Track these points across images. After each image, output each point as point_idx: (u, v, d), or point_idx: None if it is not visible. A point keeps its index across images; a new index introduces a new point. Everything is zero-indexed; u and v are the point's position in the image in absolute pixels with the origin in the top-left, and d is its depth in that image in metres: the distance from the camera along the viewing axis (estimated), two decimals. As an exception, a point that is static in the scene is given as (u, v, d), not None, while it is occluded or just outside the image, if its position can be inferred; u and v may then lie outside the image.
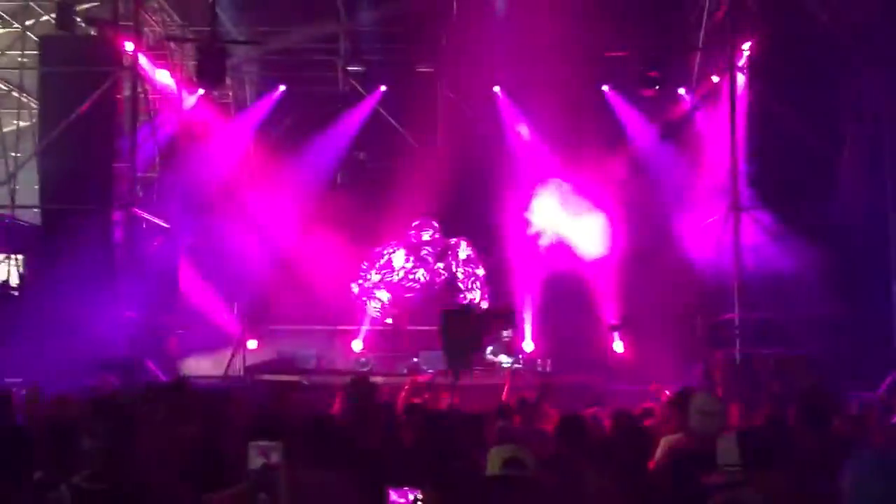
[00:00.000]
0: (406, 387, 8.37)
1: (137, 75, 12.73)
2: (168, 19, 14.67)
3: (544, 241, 14.79)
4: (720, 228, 12.70)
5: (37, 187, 13.54)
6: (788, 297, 11.37)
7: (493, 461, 3.64)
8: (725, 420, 4.79)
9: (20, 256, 13.92)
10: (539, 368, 13.69)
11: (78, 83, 12.37)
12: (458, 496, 3.53)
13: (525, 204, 15.27)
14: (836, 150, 12.11)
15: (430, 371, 12.27)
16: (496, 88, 15.55)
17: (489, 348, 13.85)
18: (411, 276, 15.87)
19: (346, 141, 15.76)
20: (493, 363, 13.84)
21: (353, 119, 15.73)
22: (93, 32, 13.58)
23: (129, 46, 12.52)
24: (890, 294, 11.25)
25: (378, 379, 12.76)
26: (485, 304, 15.58)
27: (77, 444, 3.49)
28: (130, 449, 3.36)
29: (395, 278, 15.84)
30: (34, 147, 13.12)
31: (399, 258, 15.92)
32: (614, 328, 14.49)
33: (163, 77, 14.12)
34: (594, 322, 14.50)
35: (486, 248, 15.53)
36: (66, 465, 3.85)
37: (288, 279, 14.59)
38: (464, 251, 15.94)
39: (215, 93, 14.81)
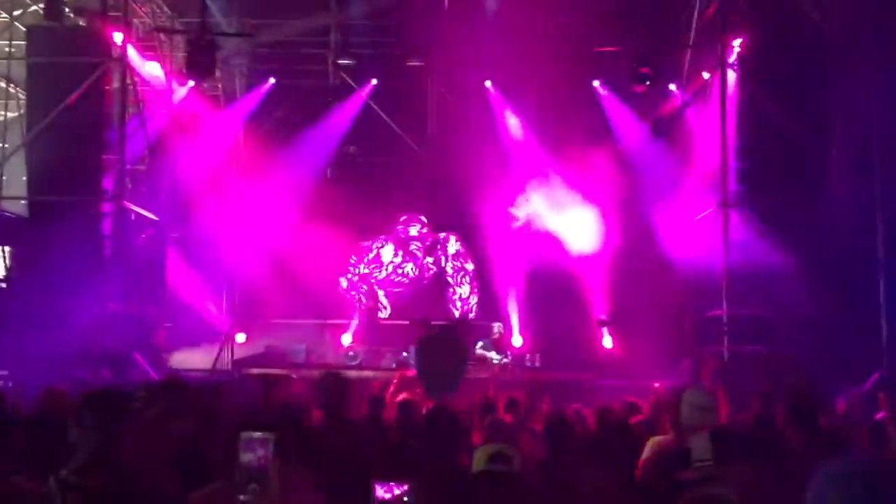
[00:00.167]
0: (394, 382, 8.37)
1: (126, 66, 12.66)
2: (158, 10, 14.58)
3: (533, 237, 14.81)
4: (709, 225, 12.73)
5: (24, 178, 13.46)
6: (777, 295, 11.41)
7: (479, 457, 3.65)
8: (717, 415, 4.80)
9: (7, 248, 13.86)
10: (528, 364, 13.72)
11: (66, 74, 12.29)
12: (445, 491, 3.53)
13: (515, 199, 15.29)
14: (825, 147, 12.14)
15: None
16: (487, 83, 15.53)
17: (479, 343, 13.87)
18: (400, 271, 15.89)
19: (337, 134, 15.71)
20: (483, 358, 13.87)
21: (344, 113, 15.68)
22: (81, 23, 13.50)
23: (118, 37, 12.44)
24: (878, 292, 11.30)
25: (368, 373, 12.89)
26: (473, 299, 15.65)
27: (66, 437, 3.48)
28: (120, 442, 3.34)
29: (383, 274, 15.86)
30: (22, 138, 13.03)
31: (388, 253, 15.94)
32: (603, 324, 14.53)
33: (152, 69, 14.05)
34: (583, 318, 14.54)
35: (476, 243, 15.54)
36: (54, 458, 3.83)
37: (277, 272, 14.57)
38: (453, 246, 15.97)
39: (205, 85, 14.74)
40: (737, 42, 12.75)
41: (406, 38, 15.32)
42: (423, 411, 6.29)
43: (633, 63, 13.45)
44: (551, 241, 14.65)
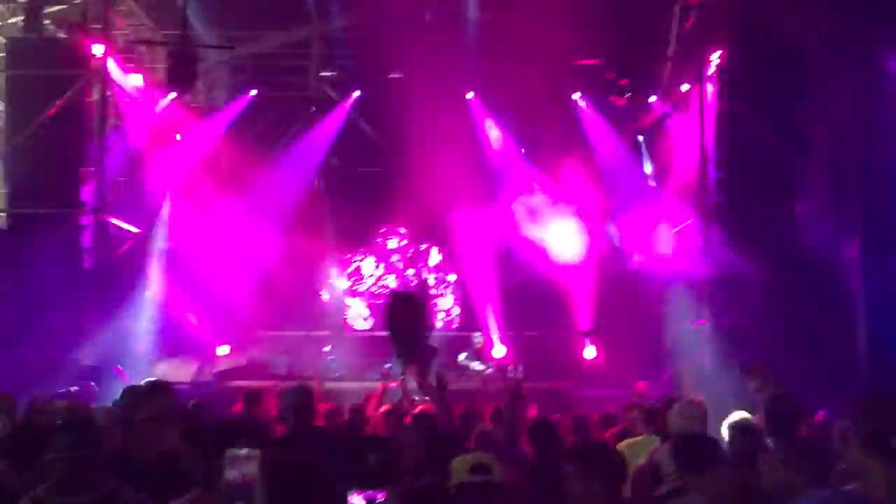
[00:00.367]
0: (377, 394, 8.37)
1: (106, 79, 12.61)
2: (139, 22, 14.52)
3: (515, 248, 14.85)
4: (689, 236, 12.83)
5: (3, 191, 13.35)
6: (756, 304, 11.50)
7: (459, 468, 3.66)
8: (704, 425, 4.84)
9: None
10: (510, 374, 13.70)
11: (46, 86, 12.23)
12: (424, 501, 3.53)
13: (497, 210, 15.34)
14: (802, 159, 12.27)
15: (402, 378, 12.27)
16: (469, 95, 15.58)
17: (462, 354, 13.90)
18: (381, 283, 15.91)
19: (319, 146, 15.70)
20: (466, 368, 13.89)
21: (327, 125, 15.68)
22: (62, 35, 13.43)
23: (98, 49, 12.39)
24: (856, 302, 11.41)
25: (350, 384, 12.86)
26: (455, 310, 15.66)
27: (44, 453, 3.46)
28: (95, 460, 3.33)
29: (365, 286, 15.88)
30: (1, 150, 12.93)
31: (368, 265, 15.96)
32: (586, 334, 14.57)
33: (133, 81, 13.99)
34: (565, 328, 14.59)
35: (457, 254, 15.57)
36: (31, 476, 3.81)
37: (260, 284, 14.52)
38: (434, 257, 16.01)
39: (186, 97, 14.68)
40: (715, 55, 12.87)
41: (388, 51, 15.35)
42: (407, 422, 6.31)
43: (614, 75, 13.57)
44: (533, 252, 14.69)
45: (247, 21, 14.42)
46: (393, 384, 8.95)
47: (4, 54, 13.43)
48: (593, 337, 14.48)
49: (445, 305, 15.97)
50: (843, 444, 4.54)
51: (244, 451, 2.78)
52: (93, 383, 9.82)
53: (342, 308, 15.99)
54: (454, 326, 15.80)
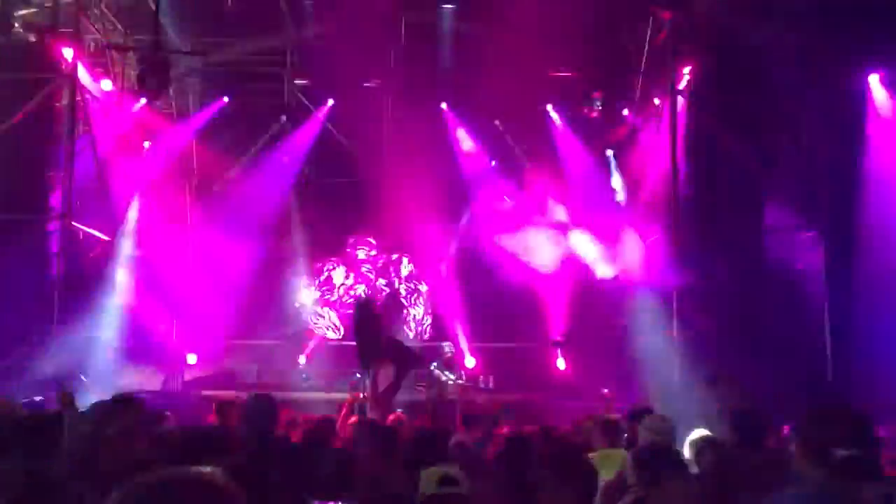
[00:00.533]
0: (346, 404, 8.34)
1: (76, 84, 12.47)
2: (110, 27, 14.38)
3: (487, 258, 14.87)
4: (659, 247, 12.93)
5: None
6: (723, 315, 11.62)
7: (428, 480, 3.65)
8: (671, 441, 4.85)
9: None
10: (482, 385, 13.75)
11: (15, 90, 12.07)
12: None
13: (469, 220, 15.38)
14: (771, 172, 12.44)
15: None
16: (443, 105, 15.61)
17: (433, 364, 13.86)
18: (352, 293, 15.87)
19: (292, 155, 15.62)
20: (439, 379, 13.85)
21: (300, 133, 15.61)
22: (31, 39, 13.26)
23: (68, 54, 12.27)
24: (822, 315, 11.56)
25: (319, 395, 12.80)
26: (427, 320, 15.67)
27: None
28: (50, 470, 3.27)
29: (335, 296, 15.83)
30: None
31: (339, 275, 15.91)
32: (557, 345, 14.62)
33: (103, 86, 13.85)
34: (535, 339, 14.63)
35: (429, 264, 15.58)
36: None
37: (230, 292, 14.40)
38: (406, 267, 16.00)
39: (158, 103, 14.55)
40: (686, 69, 13.01)
41: (362, 59, 15.34)
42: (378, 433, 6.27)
43: (587, 87, 13.67)
44: (504, 263, 14.72)
45: (219, 28, 14.33)
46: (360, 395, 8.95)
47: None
48: (564, 348, 14.53)
49: (418, 315, 15.95)
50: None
51: (207, 470, 2.74)
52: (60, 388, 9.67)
53: (312, 317, 15.90)
54: (426, 337, 15.78)
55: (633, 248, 13.72)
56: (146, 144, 14.47)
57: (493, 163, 15.43)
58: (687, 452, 4.83)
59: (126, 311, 13.51)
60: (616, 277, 13.72)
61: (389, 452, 4.88)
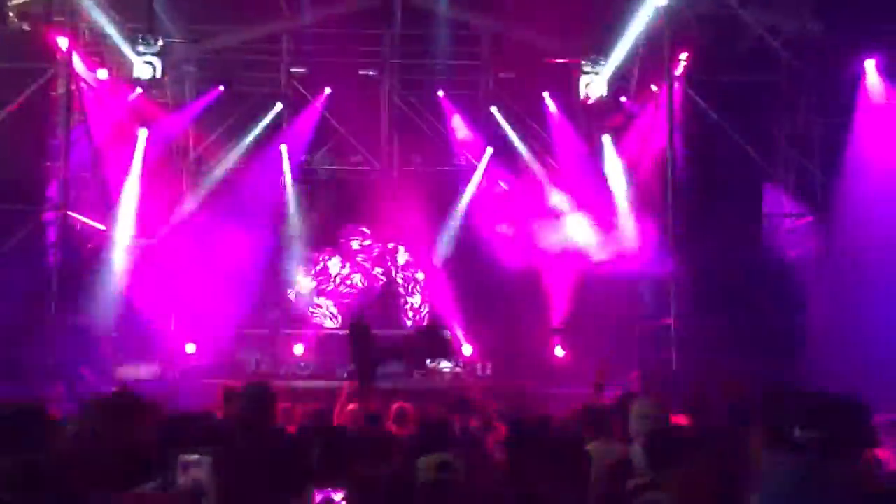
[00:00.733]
0: (343, 393, 8.36)
1: (71, 72, 12.41)
2: (105, 16, 14.29)
3: (484, 246, 14.86)
4: (655, 234, 12.92)
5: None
6: (722, 305, 11.62)
7: (425, 466, 3.66)
8: (663, 423, 4.82)
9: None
10: (479, 373, 13.77)
11: (10, 80, 12.00)
12: (382, 498, 3.53)
13: (467, 208, 15.37)
14: (767, 161, 12.44)
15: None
16: (440, 93, 15.56)
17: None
18: (348, 282, 15.86)
19: (290, 143, 15.59)
20: (434, 368, 13.90)
21: (298, 121, 15.57)
22: (26, 27, 13.19)
23: (63, 43, 12.21)
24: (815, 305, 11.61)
25: (318, 383, 12.82)
26: (424, 308, 15.70)
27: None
28: (42, 459, 3.26)
29: (332, 286, 15.84)
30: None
31: (335, 265, 15.91)
32: (557, 332, 14.63)
33: (99, 74, 13.79)
34: (534, 326, 14.63)
35: (425, 253, 15.58)
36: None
37: (229, 281, 14.39)
38: (402, 256, 15.99)
39: (153, 91, 14.50)
40: (683, 55, 12.97)
41: (359, 48, 15.30)
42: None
43: (584, 74, 13.62)
44: (502, 250, 14.71)
45: (216, 16, 14.27)
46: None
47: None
48: (563, 335, 14.55)
49: (415, 304, 15.96)
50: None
51: (195, 457, 2.76)
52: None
53: (310, 306, 15.90)
54: (424, 324, 15.78)
55: (629, 234, 13.70)
56: (142, 133, 14.37)
57: (490, 149, 15.39)
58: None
59: (124, 300, 13.52)
60: (613, 264, 13.69)
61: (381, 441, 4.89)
